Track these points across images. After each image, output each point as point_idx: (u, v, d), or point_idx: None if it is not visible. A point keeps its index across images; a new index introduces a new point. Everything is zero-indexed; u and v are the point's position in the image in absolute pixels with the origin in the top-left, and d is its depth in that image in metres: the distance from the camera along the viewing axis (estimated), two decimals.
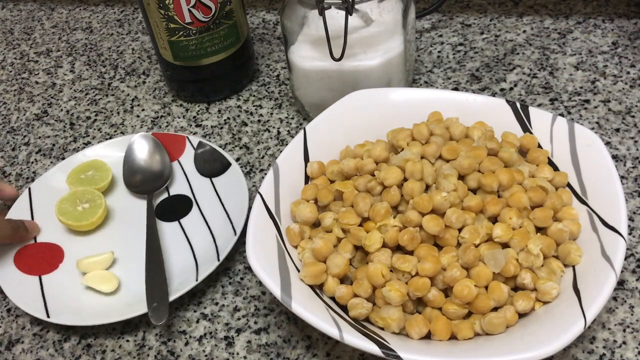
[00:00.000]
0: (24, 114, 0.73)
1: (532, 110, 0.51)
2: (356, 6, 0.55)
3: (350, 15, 0.53)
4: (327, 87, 0.60)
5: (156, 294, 0.48)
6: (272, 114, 0.67)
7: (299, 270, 0.45)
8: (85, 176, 0.59)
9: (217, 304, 0.51)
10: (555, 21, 0.73)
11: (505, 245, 0.44)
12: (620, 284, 0.48)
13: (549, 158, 0.50)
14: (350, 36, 0.55)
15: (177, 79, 0.69)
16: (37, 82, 0.77)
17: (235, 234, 0.52)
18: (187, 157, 0.62)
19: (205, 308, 0.51)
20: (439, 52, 0.72)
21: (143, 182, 0.60)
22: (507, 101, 0.52)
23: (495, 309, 0.42)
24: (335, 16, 0.54)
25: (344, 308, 0.43)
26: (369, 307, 0.43)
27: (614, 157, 0.57)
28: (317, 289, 0.44)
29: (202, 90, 0.69)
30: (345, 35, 0.54)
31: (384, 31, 0.57)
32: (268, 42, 0.77)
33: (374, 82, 0.59)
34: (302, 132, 0.52)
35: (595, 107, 0.62)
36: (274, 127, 0.66)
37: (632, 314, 0.46)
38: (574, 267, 0.43)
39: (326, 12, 0.54)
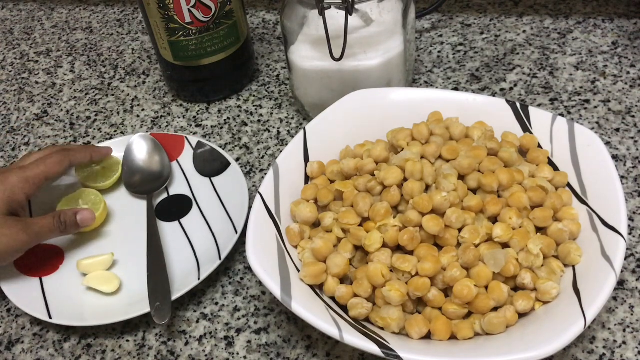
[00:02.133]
0: (24, 114, 0.73)
1: (532, 110, 0.51)
2: (356, 6, 0.55)
3: (350, 15, 0.53)
4: (327, 87, 0.60)
5: (159, 293, 0.48)
6: (272, 114, 0.67)
7: (299, 270, 0.45)
8: (92, 169, 0.60)
9: (217, 304, 0.51)
10: (555, 21, 0.73)
11: (505, 245, 0.44)
12: (620, 284, 0.48)
13: (549, 158, 0.50)
14: (350, 36, 0.55)
15: (177, 79, 0.69)
16: (37, 82, 0.77)
17: (237, 233, 0.52)
18: (186, 157, 0.62)
19: (205, 308, 0.51)
20: (439, 52, 0.71)
21: (142, 182, 0.60)
22: (507, 101, 0.52)
23: (495, 309, 0.42)
24: (335, 16, 0.54)
25: (344, 308, 0.43)
26: (369, 307, 0.43)
27: (614, 157, 0.57)
28: (317, 289, 0.44)
29: (202, 90, 0.69)
30: (345, 35, 0.54)
31: (384, 31, 0.57)
32: (268, 42, 0.77)
33: (374, 82, 0.59)
34: (302, 132, 0.52)
35: (595, 107, 0.62)
36: (274, 127, 0.66)
37: (632, 314, 0.46)
38: (574, 267, 0.43)
39: (326, 12, 0.54)
